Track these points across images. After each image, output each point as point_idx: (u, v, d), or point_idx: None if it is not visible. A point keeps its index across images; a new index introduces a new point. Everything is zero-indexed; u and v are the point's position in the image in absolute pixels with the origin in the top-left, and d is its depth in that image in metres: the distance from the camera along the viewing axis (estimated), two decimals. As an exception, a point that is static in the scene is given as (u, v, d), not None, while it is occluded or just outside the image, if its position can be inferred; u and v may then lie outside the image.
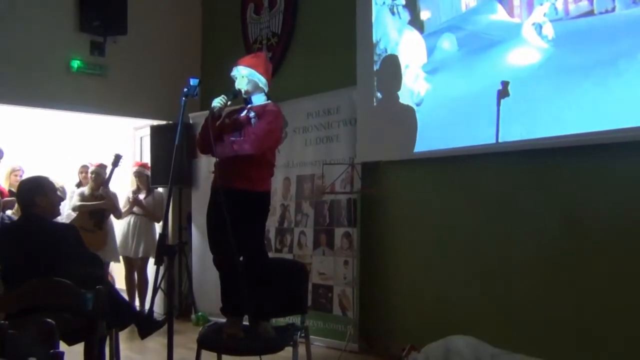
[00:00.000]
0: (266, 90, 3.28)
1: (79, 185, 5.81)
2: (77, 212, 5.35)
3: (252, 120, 3.13)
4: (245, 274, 3.02)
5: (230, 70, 3.31)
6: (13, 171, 5.49)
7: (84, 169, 5.84)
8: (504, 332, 3.55)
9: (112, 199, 5.51)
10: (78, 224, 5.22)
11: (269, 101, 3.27)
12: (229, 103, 3.16)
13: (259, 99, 3.25)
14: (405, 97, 4.19)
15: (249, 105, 3.24)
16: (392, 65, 4.29)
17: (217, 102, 3.10)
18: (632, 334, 3.06)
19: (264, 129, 3.10)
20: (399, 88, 4.23)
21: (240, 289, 3.04)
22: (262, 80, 3.24)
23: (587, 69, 3.18)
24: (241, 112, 3.23)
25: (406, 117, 4.14)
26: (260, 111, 3.16)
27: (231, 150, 3.08)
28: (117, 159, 5.44)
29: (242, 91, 3.22)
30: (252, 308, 3.07)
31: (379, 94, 4.39)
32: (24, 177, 4.84)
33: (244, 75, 3.22)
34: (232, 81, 3.35)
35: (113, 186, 5.58)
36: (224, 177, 3.06)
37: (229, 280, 3.14)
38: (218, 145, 3.08)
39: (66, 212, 5.56)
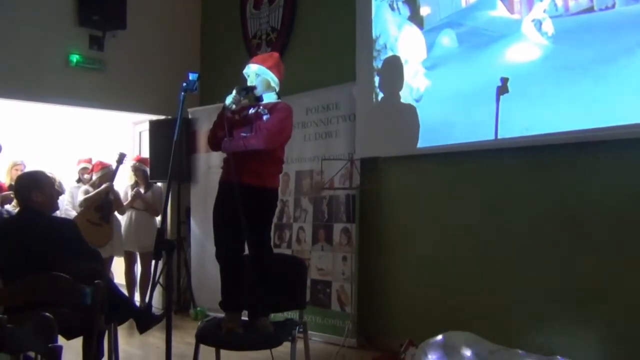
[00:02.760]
0: (277, 90, 3.27)
1: (78, 181, 5.80)
2: (83, 207, 5.37)
3: (264, 117, 3.11)
4: (251, 270, 3.02)
5: (243, 67, 3.29)
6: (14, 165, 5.48)
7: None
8: (503, 328, 3.56)
9: (117, 196, 5.54)
10: (84, 217, 5.24)
11: (280, 100, 3.27)
12: (242, 99, 3.14)
13: (269, 98, 3.23)
14: (405, 94, 4.19)
15: (260, 103, 3.23)
16: (394, 66, 4.29)
17: (231, 99, 3.08)
18: (633, 330, 3.07)
19: (276, 125, 3.08)
20: (400, 88, 4.22)
21: (243, 284, 3.04)
22: (274, 80, 3.21)
23: (587, 65, 3.17)
24: (251, 109, 3.22)
25: (408, 116, 4.14)
26: (272, 108, 3.15)
27: (241, 145, 3.06)
28: (121, 157, 5.45)
29: (254, 88, 3.20)
30: (250, 303, 3.07)
31: (380, 93, 4.38)
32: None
33: (257, 73, 3.20)
34: (236, 76, 3.34)
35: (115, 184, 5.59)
36: (235, 173, 3.05)
37: (230, 275, 3.14)
38: (227, 141, 3.07)
39: (64, 208, 5.55)
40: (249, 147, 3.04)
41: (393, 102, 4.28)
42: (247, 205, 2.97)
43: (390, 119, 4.28)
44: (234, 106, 3.07)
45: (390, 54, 4.31)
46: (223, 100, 3.09)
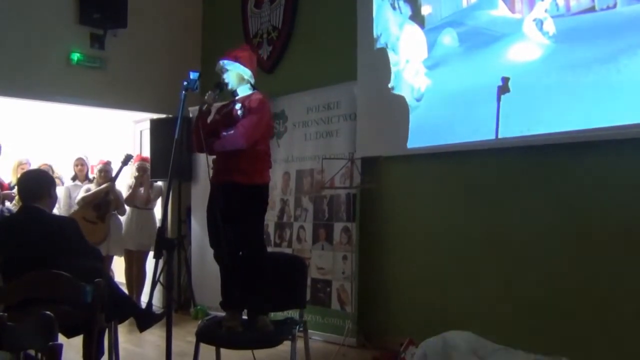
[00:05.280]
0: (252, 82, 3.26)
1: (74, 178, 5.78)
2: (81, 205, 5.36)
3: (239, 112, 3.10)
4: (244, 268, 3.02)
5: (215, 64, 3.29)
6: (20, 164, 5.47)
7: (79, 161, 5.82)
8: (503, 328, 3.56)
9: (118, 196, 5.54)
10: (80, 214, 5.24)
11: (255, 91, 3.25)
12: (216, 97, 3.13)
13: (244, 91, 3.23)
14: (400, 90, 4.19)
15: (235, 98, 3.23)
16: (380, 59, 4.30)
17: (205, 98, 3.08)
18: (632, 331, 3.07)
19: (251, 120, 3.06)
20: (389, 81, 4.24)
21: (238, 283, 3.04)
22: (246, 72, 3.20)
23: (588, 65, 3.17)
24: (230, 106, 3.22)
25: (398, 108, 4.15)
26: (246, 102, 3.14)
27: (221, 146, 3.06)
28: (127, 158, 5.46)
29: (226, 84, 3.19)
30: (251, 302, 3.07)
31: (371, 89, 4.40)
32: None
33: (228, 69, 3.20)
34: None
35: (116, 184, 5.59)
36: (222, 172, 3.05)
37: (228, 275, 3.14)
38: (211, 142, 3.07)
39: (63, 207, 5.56)
40: (228, 146, 3.03)
41: (384, 97, 4.28)
42: (237, 203, 2.98)
43: (390, 117, 4.28)
44: (204, 107, 3.05)
45: (390, 53, 4.31)
46: (204, 101, 3.08)
